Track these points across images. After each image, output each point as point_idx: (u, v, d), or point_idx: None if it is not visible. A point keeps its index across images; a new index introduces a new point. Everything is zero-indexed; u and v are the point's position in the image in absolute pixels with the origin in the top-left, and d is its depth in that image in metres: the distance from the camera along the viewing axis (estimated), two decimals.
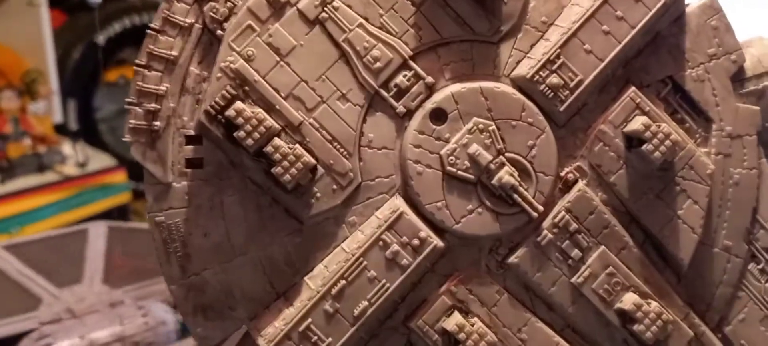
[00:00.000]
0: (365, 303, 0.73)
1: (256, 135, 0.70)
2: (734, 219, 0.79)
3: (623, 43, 0.73)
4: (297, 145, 0.71)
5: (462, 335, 0.74)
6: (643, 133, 0.73)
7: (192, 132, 0.75)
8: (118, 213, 3.00)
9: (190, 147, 0.75)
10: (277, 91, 0.72)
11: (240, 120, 0.70)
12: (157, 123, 0.75)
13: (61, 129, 3.25)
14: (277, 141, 0.71)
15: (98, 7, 3.53)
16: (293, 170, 0.71)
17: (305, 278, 0.75)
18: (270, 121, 0.71)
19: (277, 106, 0.72)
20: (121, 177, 3.15)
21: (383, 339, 0.77)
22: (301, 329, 0.73)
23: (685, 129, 0.78)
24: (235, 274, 0.76)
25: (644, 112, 0.75)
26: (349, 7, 0.72)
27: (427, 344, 0.77)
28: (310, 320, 0.73)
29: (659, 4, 0.72)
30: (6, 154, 2.90)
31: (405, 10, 0.72)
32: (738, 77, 0.77)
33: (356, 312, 0.73)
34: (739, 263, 0.79)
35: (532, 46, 0.75)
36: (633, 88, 0.75)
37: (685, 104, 0.78)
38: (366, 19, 0.72)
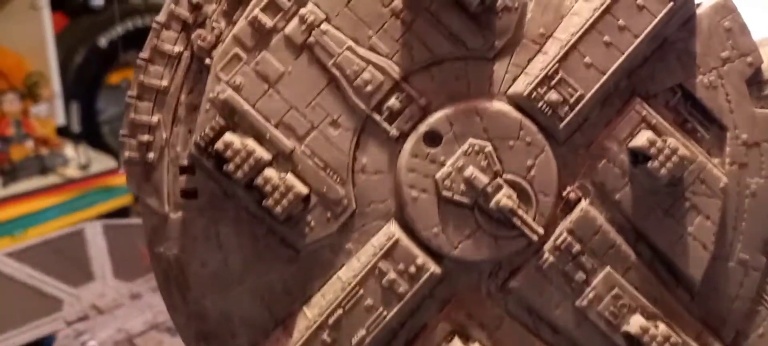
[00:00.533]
0: (363, 332, 0.72)
1: (246, 168, 0.69)
2: (751, 231, 0.75)
3: (626, 54, 0.69)
4: (288, 175, 0.70)
5: None
6: (649, 150, 0.70)
7: (185, 163, 0.74)
8: (120, 215, 3.00)
9: (184, 177, 0.74)
10: (268, 120, 0.71)
11: (229, 153, 0.69)
12: (151, 155, 0.74)
13: (63, 132, 3.26)
14: (267, 172, 0.70)
15: (100, 10, 3.55)
16: (284, 202, 0.70)
17: (303, 308, 0.75)
18: (259, 153, 0.70)
19: (268, 136, 0.71)
20: (123, 179, 3.15)
21: None
22: None
23: (696, 139, 0.74)
24: (234, 302, 0.75)
25: (650, 126, 0.72)
26: (338, 29, 0.69)
27: None
28: None
29: (664, 11, 0.68)
30: (8, 157, 2.90)
31: (395, 30, 0.69)
32: (755, 80, 0.73)
33: (354, 342, 0.72)
34: (757, 276, 0.76)
35: (529, 60, 0.71)
36: (638, 100, 0.72)
37: (697, 113, 0.74)
38: (355, 41, 0.69)
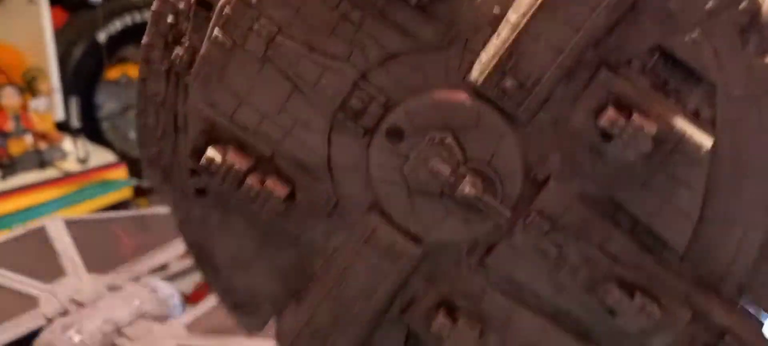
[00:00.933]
0: (358, 307, 0.79)
1: (230, 179, 0.74)
2: (751, 190, 0.70)
3: (582, 29, 0.65)
4: (269, 179, 0.74)
5: (447, 333, 0.77)
6: (611, 130, 0.66)
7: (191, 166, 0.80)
8: (120, 209, 3.01)
9: (195, 179, 0.81)
10: (245, 130, 0.74)
11: (213, 168, 0.74)
12: (163, 161, 0.80)
13: (62, 127, 3.27)
14: (248, 181, 0.74)
15: (99, 5, 3.56)
16: (267, 206, 0.75)
17: (309, 285, 0.81)
18: (239, 165, 0.74)
19: (247, 143, 0.75)
20: (122, 173, 3.16)
21: (386, 330, 0.81)
22: (310, 329, 0.81)
23: (681, 99, 0.69)
24: (255, 279, 0.83)
25: (617, 99, 0.67)
26: (292, 39, 0.69)
27: (423, 336, 0.80)
28: (316, 321, 0.81)
29: None
30: (7, 151, 2.91)
31: (346, 31, 0.69)
32: (752, 28, 0.65)
33: (353, 314, 0.79)
34: (758, 235, 0.72)
35: (484, 43, 0.68)
36: (605, 71, 0.68)
37: (679, 73, 0.69)
38: (310, 48, 0.69)
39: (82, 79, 3.60)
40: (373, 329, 0.81)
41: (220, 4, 0.70)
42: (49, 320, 1.52)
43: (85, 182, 3.00)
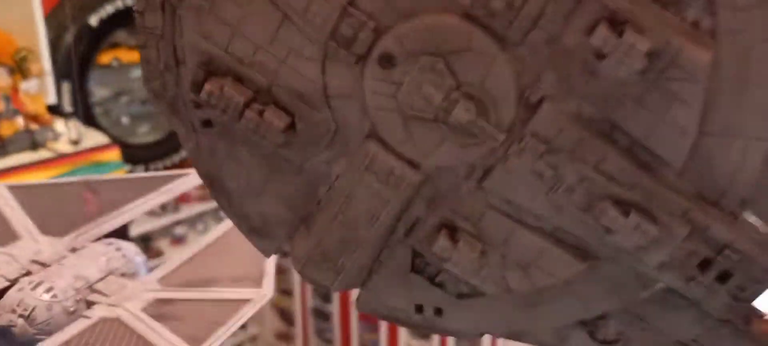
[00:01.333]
0: (364, 231, 0.79)
1: (230, 112, 0.74)
2: (756, 98, 0.67)
3: None
4: (269, 109, 0.74)
5: (448, 254, 0.77)
6: (603, 48, 0.64)
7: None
8: None
9: (199, 111, 0.80)
10: (241, 62, 0.73)
11: (212, 102, 0.74)
12: (168, 94, 0.79)
13: (54, 111, 3.22)
14: (247, 114, 0.74)
15: None
16: (269, 136, 0.75)
17: (316, 211, 0.81)
18: (237, 98, 0.74)
19: (244, 74, 0.74)
20: (115, 155, 3.12)
21: (392, 250, 0.82)
22: (320, 252, 0.82)
23: (680, 7, 0.66)
24: (266, 206, 0.83)
25: (610, 14, 0.64)
26: None
27: (427, 257, 0.81)
28: (325, 245, 0.81)
29: None
30: None
31: None
32: None
33: (359, 237, 0.80)
34: (763, 145, 0.68)
35: None
36: None
37: None
38: None
39: (74, 63, 3.56)
40: (380, 250, 0.81)
41: None
42: (12, 282, 1.44)
43: (77, 163, 2.95)
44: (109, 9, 3.61)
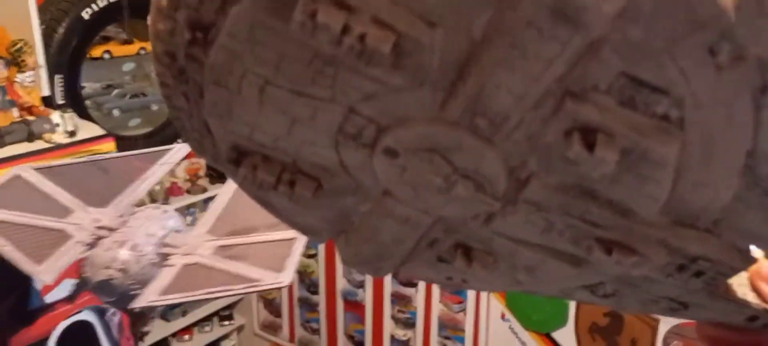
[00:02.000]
0: (393, 249, 0.87)
1: (265, 188, 0.76)
2: (722, 165, 0.71)
3: (542, 77, 0.65)
4: (297, 178, 0.77)
5: (463, 271, 0.84)
6: (577, 162, 0.68)
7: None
8: None
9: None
10: (264, 147, 0.75)
11: (246, 184, 0.73)
12: (209, 151, 0.78)
13: (48, 103, 3.26)
14: (280, 188, 0.76)
15: None
16: (300, 200, 0.78)
17: (350, 229, 0.88)
18: (268, 179, 0.75)
19: (270, 155, 0.76)
20: (110, 146, 3.17)
21: (421, 252, 0.87)
22: (358, 259, 0.85)
23: (650, 105, 0.67)
24: (310, 221, 0.86)
25: (582, 125, 0.67)
26: (279, 88, 0.69)
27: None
28: (362, 255, 0.86)
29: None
30: None
31: (325, 82, 0.68)
32: (723, 39, 0.61)
33: (390, 252, 0.87)
34: (729, 193, 0.73)
35: (452, 86, 0.68)
36: (569, 102, 0.67)
37: (646, 88, 0.67)
38: (298, 93, 0.69)
39: (66, 56, 3.60)
40: (409, 255, 0.89)
41: (207, 62, 0.72)
42: (90, 245, 1.57)
43: (74, 154, 3.00)
44: (100, 2, 3.66)
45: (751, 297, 0.83)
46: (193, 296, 1.59)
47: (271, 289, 1.64)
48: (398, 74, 0.69)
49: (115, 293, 1.57)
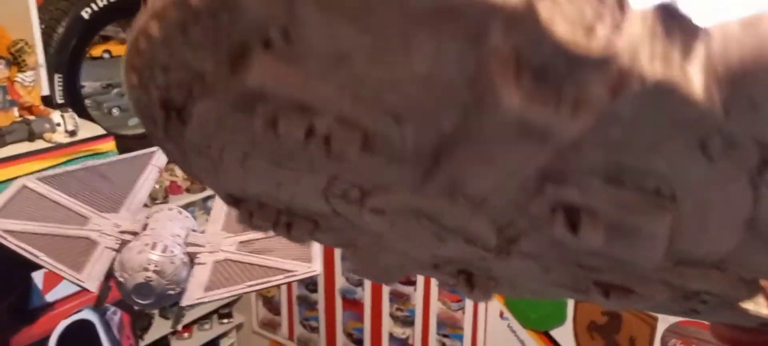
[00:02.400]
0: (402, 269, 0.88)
1: (263, 230, 0.78)
2: (716, 230, 0.67)
3: (519, 172, 0.60)
4: (294, 221, 0.78)
5: (466, 295, 0.85)
6: (563, 241, 0.65)
7: None
8: None
9: None
10: (258, 197, 0.75)
11: (245, 227, 0.73)
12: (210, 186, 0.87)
13: (47, 102, 3.27)
14: (278, 230, 0.77)
15: None
16: (299, 239, 0.79)
17: (354, 251, 0.91)
18: (265, 225, 0.74)
19: (265, 202, 0.76)
20: (111, 145, 3.18)
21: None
22: (365, 273, 0.86)
23: (637, 186, 0.63)
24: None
25: (566, 207, 0.64)
26: (260, 160, 0.64)
27: None
28: (369, 272, 0.87)
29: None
30: None
31: (301, 159, 0.62)
32: (713, 134, 0.52)
33: (399, 269, 0.89)
34: (732, 243, 0.69)
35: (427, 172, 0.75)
36: (550, 187, 0.63)
37: (632, 173, 0.62)
38: (278, 165, 0.64)
39: (66, 56, 3.61)
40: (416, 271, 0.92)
41: (185, 136, 0.71)
42: (118, 250, 1.59)
43: (75, 153, 3.01)
44: (99, 2, 3.66)
45: (764, 309, 0.79)
46: (236, 290, 1.62)
47: (306, 278, 1.68)
48: (373, 159, 0.62)
49: (153, 295, 1.59)
